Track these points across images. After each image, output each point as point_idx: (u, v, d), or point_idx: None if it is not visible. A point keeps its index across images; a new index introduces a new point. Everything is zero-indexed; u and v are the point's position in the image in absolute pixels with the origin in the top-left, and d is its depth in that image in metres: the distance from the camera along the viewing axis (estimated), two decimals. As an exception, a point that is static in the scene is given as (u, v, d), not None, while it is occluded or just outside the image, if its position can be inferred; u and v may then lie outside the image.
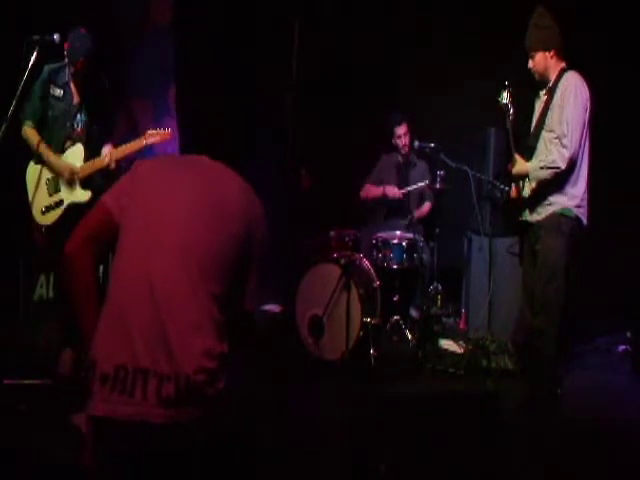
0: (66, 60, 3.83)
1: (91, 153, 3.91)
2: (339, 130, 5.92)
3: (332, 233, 4.91)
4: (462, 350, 4.75)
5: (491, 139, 5.31)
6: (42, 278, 4.99)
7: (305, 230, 5.04)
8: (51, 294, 5.02)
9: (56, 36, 3.49)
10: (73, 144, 3.90)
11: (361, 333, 4.34)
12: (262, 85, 5.59)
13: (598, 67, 5.41)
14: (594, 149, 3.89)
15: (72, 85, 3.89)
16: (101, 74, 3.97)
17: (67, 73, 3.87)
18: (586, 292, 5.19)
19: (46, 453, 2.84)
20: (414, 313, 5.30)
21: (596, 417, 3.69)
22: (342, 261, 4.51)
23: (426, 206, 5.60)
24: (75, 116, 3.91)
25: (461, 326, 5.33)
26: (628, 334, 4.91)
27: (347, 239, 4.88)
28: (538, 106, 3.98)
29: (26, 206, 3.93)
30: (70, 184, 3.87)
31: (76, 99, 3.91)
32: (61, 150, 3.90)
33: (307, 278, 4.59)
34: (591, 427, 3.54)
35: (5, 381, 3.38)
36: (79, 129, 3.93)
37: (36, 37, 3.44)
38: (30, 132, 3.85)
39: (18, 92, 3.37)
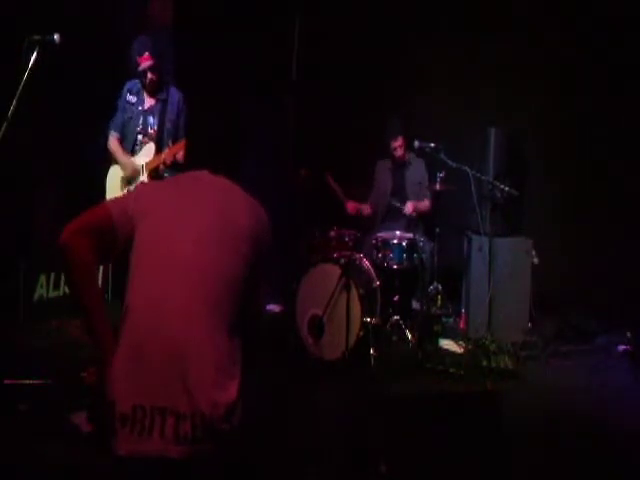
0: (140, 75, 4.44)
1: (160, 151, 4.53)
2: (339, 130, 5.92)
3: (332, 233, 4.91)
4: (462, 350, 4.76)
5: (491, 139, 5.31)
6: (42, 278, 4.99)
7: (305, 230, 5.04)
8: (51, 294, 5.02)
9: (56, 36, 3.48)
10: (146, 143, 4.53)
11: (361, 333, 4.34)
12: (262, 85, 5.60)
13: (598, 67, 5.43)
14: (593, 150, 3.89)
15: (144, 92, 4.55)
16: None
17: (139, 83, 4.53)
18: (586, 292, 5.20)
19: (46, 453, 2.84)
20: (416, 306, 5.25)
21: (596, 417, 3.68)
22: (342, 261, 4.50)
23: (425, 202, 5.52)
24: (147, 119, 4.54)
25: (461, 326, 5.32)
26: (628, 334, 4.90)
27: (347, 239, 4.88)
28: None
29: (26, 206, 3.92)
30: (137, 178, 4.49)
31: (148, 104, 4.56)
32: (133, 148, 4.55)
33: (307, 278, 4.59)
34: (591, 427, 3.54)
35: (5, 381, 3.37)
36: (151, 130, 4.54)
37: (36, 37, 3.43)
38: (115, 143, 4.56)
39: (18, 92, 3.36)
